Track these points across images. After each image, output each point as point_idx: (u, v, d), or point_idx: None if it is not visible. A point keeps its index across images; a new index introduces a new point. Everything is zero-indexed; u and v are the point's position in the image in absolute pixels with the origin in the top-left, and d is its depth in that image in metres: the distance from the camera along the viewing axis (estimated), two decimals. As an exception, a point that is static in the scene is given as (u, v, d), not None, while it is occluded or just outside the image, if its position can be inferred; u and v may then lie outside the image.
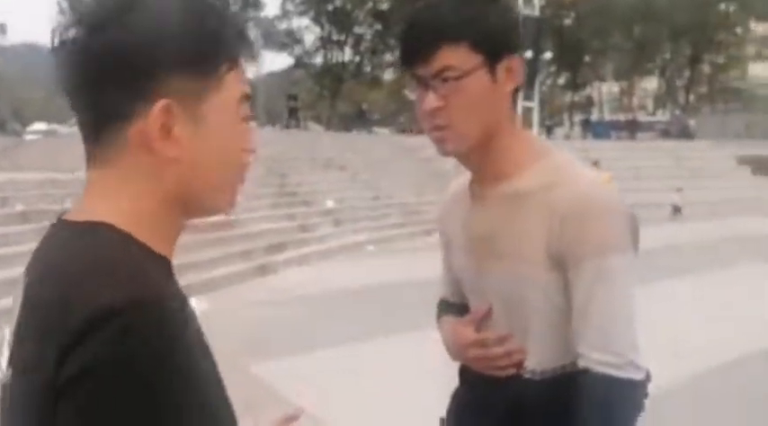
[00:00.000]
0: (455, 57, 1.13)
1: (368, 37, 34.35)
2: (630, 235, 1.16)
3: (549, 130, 29.27)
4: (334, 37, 34.20)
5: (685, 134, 29.83)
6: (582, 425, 1.12)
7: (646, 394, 1.15)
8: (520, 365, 1.22)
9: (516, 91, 1.20)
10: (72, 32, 0.70)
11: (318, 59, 35.09)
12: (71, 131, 26.84)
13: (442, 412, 1.39)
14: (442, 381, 1.52)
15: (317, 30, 34.68)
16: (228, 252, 8.93)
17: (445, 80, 1.13)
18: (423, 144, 20.27)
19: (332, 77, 33.77)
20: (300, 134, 20.52)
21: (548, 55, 30.08)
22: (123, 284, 0.63)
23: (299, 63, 35.97)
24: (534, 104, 18.15)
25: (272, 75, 43.16)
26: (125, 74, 0.68)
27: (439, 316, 1.42)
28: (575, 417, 1.13)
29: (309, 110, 37.42)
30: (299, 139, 18.00)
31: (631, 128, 32.93)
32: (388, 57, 34.86)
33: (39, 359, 0.63)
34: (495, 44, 1.14)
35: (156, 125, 0.69)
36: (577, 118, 38.98)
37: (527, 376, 1.21)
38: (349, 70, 34.53)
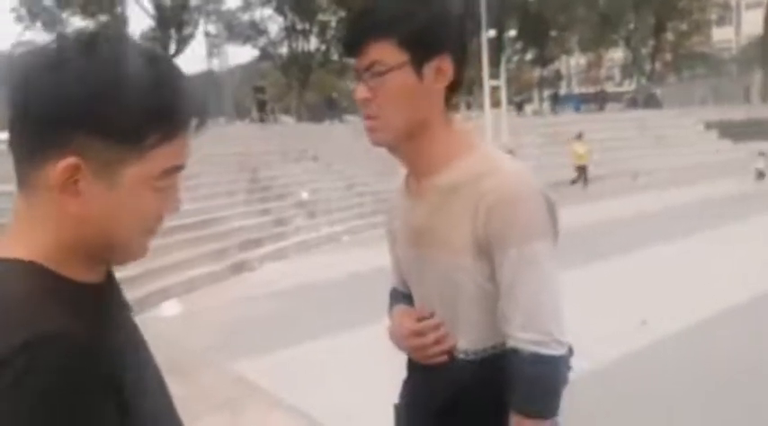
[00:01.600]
0: (383, 52, 1.20)
1: (333, 24, 34.08)
2: (550, 221, 1.24)
3: (518, 107, 29.38)
4: (299, 26, 33.88)
5: (652, 103, 30.23)
6: (513, 400, 1.21)
7: (569, 368, 1.25)
8: (449, 352, 1.30)
9: (450, 88, 1.26)
10: (10, 76, 0.75)
11: (284, 50, 34.77)
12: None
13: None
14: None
15: (281, 20, 34.32)
16: (204, 251, 8.93)
17: (373, 74, 1.21)
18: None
19: (299, 67, 33.52)
20: (270, 127, 20.38)
21: (512, 32, 30.10)
22: (10, 329, 0.68)
23: (264, 54, 35.57)
24: (501, 82, 18.21)
25: (238, 68, 42.75)
26: (44, 126, 0.73)
27: (390, 306, 1.49)
28: (506, 393, 1.21)
29: (279, 102, 37.13)
30: (269, 132, 17.90)
31: (600, 100, 33.27)
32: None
33: None
34: (422, 44, 1.20)
35: (59, 179, 0.73)
36: (547, 93, 39.21)
37: (461, 356, 1.30)
38: (316, 59, 34.28)
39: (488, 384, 1.26)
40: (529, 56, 39.78)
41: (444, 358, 1.31)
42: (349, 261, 9.00)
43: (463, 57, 1.27)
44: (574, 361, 1.28)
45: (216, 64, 35.07)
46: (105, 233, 0.78)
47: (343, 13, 33.52)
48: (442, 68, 1.22)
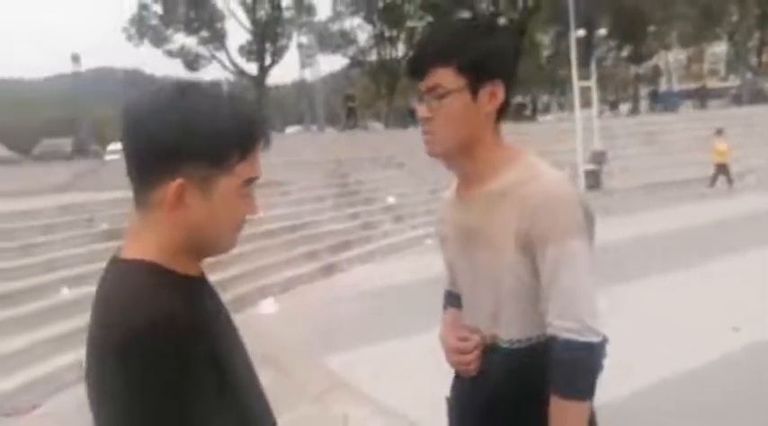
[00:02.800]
0: (443, 77, 1.35)
1: (420, 30, 34.43)
2: (586, 223, 1.37)
3: (612, 106, 28.40)
4: (387, 33, 34.46)
5: (760, 98, 28.36)
6: (553, 385, 1.32)
7: (604, 355, 1.36)
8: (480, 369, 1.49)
9: (501, 110, 1.42)
10: (123, 121, 1.02)
11: (373, 57, 35.43)
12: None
13: None
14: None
15: (370, 28, 35.07)
16: (297, 253, 9.38)
17: (434, 96, 1.37)
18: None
19: (387, 74, 34.07)
20: (359, 133, 20.90)
21: (602, 31, 29.11)
22: (137, 314, 0.93)
23: (354, 62, 36.45)
24: (592, 83, 17.74)
25: (329, 76, 43.91)
26: (155, 157, 0.99)
27: (444, 308, 1.67)
28: (544, 378, 1.33)
29: (368, 109, 37.87)
30: (358, 139, 18.39)
31: (701, 97, 31.58)
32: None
33: (88, 367, 0.98)
34: (478, 71, 1.35)
35: (172, 196, 0.99)
36: (645, 90, 37.64)
37: (504, 346, 1.43)
38: (403, 65, 34.66)
39: (530, 371, 1.38)
40: (624, 53, 38.36)
41: (476, 372, 1.49)
42: (432, 263, 9.05)
43: (513, 83, 1.42)
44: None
45: (308, 73, 36.23)
46: (205, 232, 1.04)
47: (430, 19, 33.78)
48: (494, 93, 1.38)
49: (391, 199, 12.83)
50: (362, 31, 36.26)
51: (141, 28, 33.80)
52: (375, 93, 37.30)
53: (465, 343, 1.51)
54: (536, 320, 1.38)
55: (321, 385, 4.88)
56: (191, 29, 33.66)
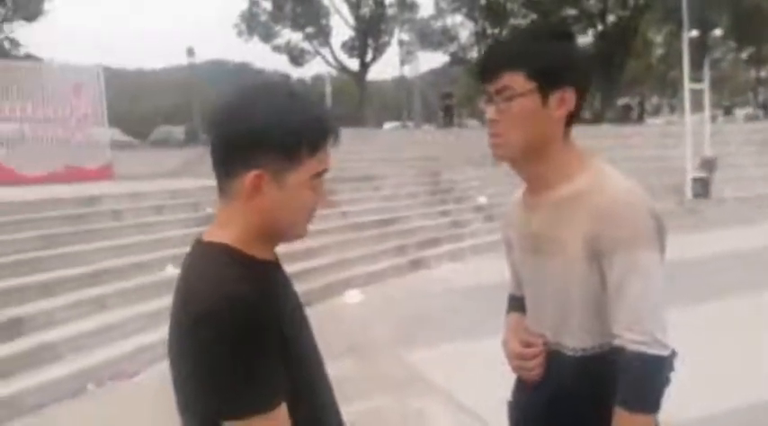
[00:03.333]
0: (513, 81, 1.37)
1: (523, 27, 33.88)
2: (656, 234, 1.35)
3: (727, 111, 26.65)
4: (489, 31, 34.06)
5: None
6: (619, 397, 1.30)
7: (672, 369, 1.34)
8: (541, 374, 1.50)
9: (571, 116, 1.41)
10: (211, 118, 1.16)
11: (474, 54, 35.14)
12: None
13: None
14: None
15: (471, 25, 34.80)
16: (386, 247, 9.54)
17: (503, 98, 1.38)
18: (580, 133, 19.55)
19: (487, 72, 33.59)
20: (456, 131, 20.83)
21: (717, 32, 27.29)
22: (210, 292, 1.06)
23: (454, 60, 36.32)
24: (705, 85, 16.73)
25: (429, 73, 43.93)
26: (236, 151, 1.11)
27: (507, 312, 1.69)
28: (610, 389, 1.30)
29: (466, 107, 37.57)
30: (453, 137, 18.35)
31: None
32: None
33: (170, 338, 1.11)
34: (548, 77, 1.37)
35: (249, 186, 1.11)
36: (765, 95, 35.00)
37: (568, 353, 1.43)
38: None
39: (592, 379, 1.38)
40: (744, 55, 35.87)
41: (539, 377, 1.50)
42: None
43: (586, 88, 1.42)
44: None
45: (408, 70, 36.42)
46: (278, 220, 1.15)
47: (534, 17, 33.05)
48: (564, 99, 1.38)
49: (483, 199, 12.73)
50: (464, 29, 36.07)
51: (251, 23, 35.29)
52: (475, 91, 36.96)
53: (528, 349, 1.52)
54: (602, 329, 1.37)
55: (399, 378, 4.98)
56: (297, 25, 34.79)
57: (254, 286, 1.08)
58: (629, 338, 1.29)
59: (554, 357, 1.47)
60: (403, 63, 34.63)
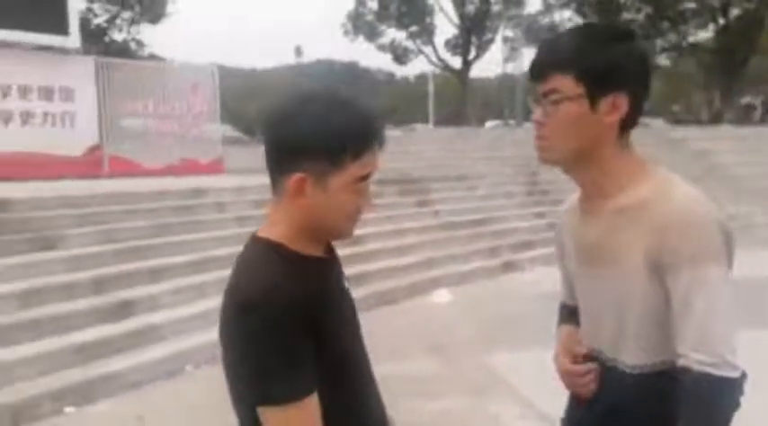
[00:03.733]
0: (561, 83, 1.32)
1: (639, 22, 32.23)
2: (725, 247, 1.27)
3: None
4: (599, 27, 32.75)
5: None
6: (683, 421, 1.23)
7: (742, 392, 1.26)
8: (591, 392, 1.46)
9: (627, 120, 1.35)
10: (265, 122, 1.23)
11: (582, 51, 33.91)
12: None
13: None
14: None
15: (581, 20, 33.55)
16: (478, 247, 9.47)
17: (550, 101, 1.34)
18: (693, 135, 18.44)
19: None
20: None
21: None
22: (253, 284, 1.15)
23: (561, 57, 35.21)
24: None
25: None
26: (283, 154, 1.19)
27: (559, 323, 1.65)
28: (673, 411, 1.24)
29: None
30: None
31: None
32: (660, 42, 32.25)
33: (220, 324, 1.19)
34: (597, 81, 1.30)
35: (293, 187, 1.18)
36: None
37: (627, 371, 1.37)
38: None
39: (649, 398, 1.33)
40: None
41: (590, 394, 1.46)
42: None
43: (643, 93, 1.35)
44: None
45: (511, 67, 35.79)
46: (321, 220, 1.22)
47: (649, 10, 31.43)
48: (616, 104, 1.32)
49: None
50: (573, 24, 34.88)
51: (357, 23, 36.00)
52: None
53: (579, 367, 1.48)
54: (662, 346, 1.31)
55: (479, 380, 4.96)
56: (402, 24, 35.10)
57: (296, 280, 1.16)
58: (696, 358, 1.22)
59: (610, 373, 1.42)
60: (507, 60, 34.09)
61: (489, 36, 34.74)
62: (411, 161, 12.52)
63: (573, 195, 1.54)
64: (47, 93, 10.99)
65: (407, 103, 58.66)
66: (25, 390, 4.35)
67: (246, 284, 1.17)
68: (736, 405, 1.26)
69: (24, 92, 10.73)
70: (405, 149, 13.84)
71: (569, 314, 1.61)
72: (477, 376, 5.07)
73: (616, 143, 1.37)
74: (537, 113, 1.37)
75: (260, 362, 1.11)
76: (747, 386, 1.27)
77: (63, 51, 11.33)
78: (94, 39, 29.77)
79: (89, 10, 32.06)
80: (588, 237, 1.42)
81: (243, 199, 8.74)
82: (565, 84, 1.32)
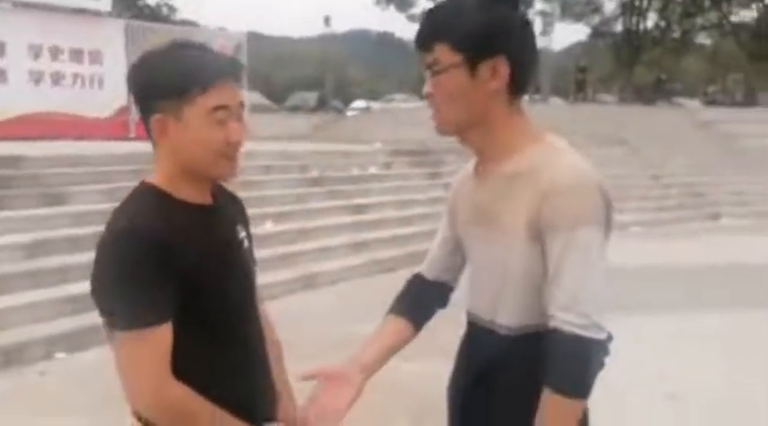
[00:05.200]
0: (441, 53, 1.32)
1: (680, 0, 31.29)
2: (603, 214, 1.28)
3: None
4: (636, 2, 31.80)
5: None
6: (551, 378, 1.26)
7: (607, 353, 1.30)
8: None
9: (516, 86, 1.33)
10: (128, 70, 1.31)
11: (618, 28, 33.07)
12: (383, 108, 30.11)
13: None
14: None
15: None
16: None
17: (433, 72, 1.34)
18: (724, 118, 17.94)
19: (630, 46, 31.60)
20: (585, 107, 19.87)
21: None
22: (119, 221, 1.24)
23: (595, 33, 34.38)
24: None
25: (566, 47, 41.97)
26: (141, 100, 1.28)
27: (390, 309, 1.58)
28: (543, 370, 1.26)
29: (604, 83, 35.59)
30: (582, 112, 17.54)
31: None
32: (700, 20, 31.26)
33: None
34: (474, 47, 1.30)
35: (156, 129, 1.26)
36: None
37: (503, 333, 1.38)
38: (650, 37, 31.87)
39: (523, 360, 1.35)
40: None
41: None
42: (636, 250, 8.27)
43: (524, 58, 1.34)
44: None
45: (545, 41, 35.06)
46: (190, 157, 1.28)
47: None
48: (496, 69, 1.31)
49: (603, 181, 12.13)
50: (610, 0, 34.00)
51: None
52: (614, 66, 34.91)
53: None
54: (537, 309, 1.33)
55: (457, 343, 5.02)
56: (434, -7, 34.56)
57: (161, 218, 1.23)
58: (565, 319, 1.25)
59: (486, 335, 1.42)
60: (541, 34, 33.34)
61: (523, 9, 33.98)
62: (426, 132, 12.47)
63: (469, 162, 1.54)
64: (77, 55, 11.24)
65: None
66: (19, 335, 4.58)
67: (115, 218, 1.26)
68: (601, 366, 1.28)
69: (55, 53, 11.00)
70: (422, 121, 13.77)
71: (414, 294, 1.60)
72: (456, 340, 5.14)
73: (505, 109, 1.36)
74: (426, 86, 1.37)
75: (112, 289, 1.19)
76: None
77: (94, 14, 11.55)
78: (127, 2, 30.08)
79: (123, -27, 32.31)
80: (479, 200, 1.43)
81: (252, 164, 8.85)
82: (443, 53, 1.32)
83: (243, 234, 1.45)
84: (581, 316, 1.24)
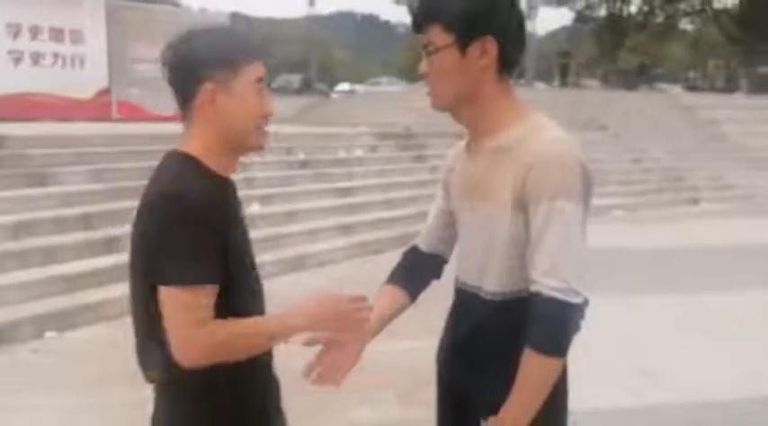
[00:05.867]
0: (434, 34, 1.42)
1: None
2: (582, 186, 1.38)
3: None
4: (619, -13, 31.99)
5: None
6: (531, 338, 1.35)
7: (583, 317, 1.38)
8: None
9: (504, 64, 1.42)
10: (162, 65, 1.38)
11: (601, 12, 33.20)
12: (368, 91, 30.00)
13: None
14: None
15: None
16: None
17: (427, 53, 1.43)
18: (705, 103, 18.17)
19: (613, 31, 31.78)
20: (568, 92, 19.98)
21: None
22: (161, 187, 1.30)
23: (580, 17, 34.50)
24: None
25: (550, 31, 42.03)
26: (189, 71, 1.34)
27: (388, 278, 1.68)
28: (523, 332, 1.35)
29: (588, 67, 35.74)
30: (564, 97, 17.65)
31: None
32: (683, 6, 31.51)
33: (133, 227, 1.34)
34: (464, 27, 1.39)
35: (205, 98, 1.33)
36: None
37: (487, 297, 1.47)
38: (634, 22, 32.06)
39: (507, 323, 1.43)
40: None
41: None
42: (618, 235, 8.44)
43: (511, 37, 1.43)
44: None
45: (529, 26, 35.05)
46: (233, 125, 1.36)
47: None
48: (485, 48, 1.40)
49: (584, 157, 12.26)
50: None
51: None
52: (597, 51, 35.10)
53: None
54: (521, 276, 1.41)
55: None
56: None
57: (207, 186, 1.31)
58: (545, 283, 1.34)
59: (473, 299, 1.51)
60: (526, 19, 33.30)
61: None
62: (412, 116, 12.53)
63: (463, 139, 1.63)
64: (57, 35, 11.06)
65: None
66: (8, 314, 4.60)
67: (165, 181, 1.31)
68: (577, 328, 1.37)
69: (35, 32, 10.81)
70: (409, 105, 13.83)
71: (409, 265, 1.68)
72: (443, 317, 5.24)
73: (495, 86, 1.45)
74: (422, 66, 1.46)
75: (169, 245, 1.25)
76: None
77: (75, -8, 11.36)
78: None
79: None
80: (470, 173, 1.51)
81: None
82: (436, 34, 1.41)
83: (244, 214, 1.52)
84: (559, 281, 1.33)
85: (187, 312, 1.26)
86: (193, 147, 1.36)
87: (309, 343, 1.46)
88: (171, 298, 1.26)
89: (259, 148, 1.42)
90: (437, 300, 1.81)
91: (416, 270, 1.69)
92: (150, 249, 1.28)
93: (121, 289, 5.27)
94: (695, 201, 12.32)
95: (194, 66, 1.32)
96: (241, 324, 1.33)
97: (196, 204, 1.26)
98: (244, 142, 1.39)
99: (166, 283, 1.26)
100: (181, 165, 1.34)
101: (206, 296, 1.27)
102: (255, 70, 1.36)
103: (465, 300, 1.55)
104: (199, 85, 1.32)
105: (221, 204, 1.33)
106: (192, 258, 1.26)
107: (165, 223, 1.26)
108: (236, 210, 1.41)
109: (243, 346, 1.33)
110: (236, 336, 1.31)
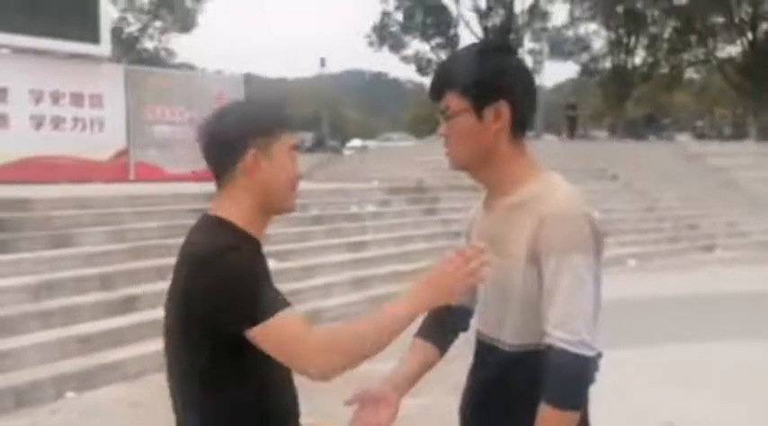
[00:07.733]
0: (451, 100, 1.50)
1: (665, 36, 32.11)
2: (592, 240, 1.43)
3: None
4: (625, 40, 32.65)
5: None
6: (546, 391, 1.38)
7: (597, 369, 1.42)
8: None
9: (517, 125, 1.50)
10: (200, 134, 1.48)
11: (606, 65, 33.82)
12: (380, 146, 30.41)
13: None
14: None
15: (606, 34, 33.53)
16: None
17: (446, 117, 1.52)
18: (714, 151, 18.26)
19: (620, 82, 32.30)
20: (578, 143, 20.18)
21: None
22: (212, 243, 1.36)
23: (585, 70, 35.16)
24: None
25: (557, 84, 42.68)
26: (232, 140, 1.42)
27: (420, 328, 1.71)
28: (535, 383, 1.39)
29: (595, 119, 36.13)
30: (573, 148, 17.84)
31: None
32: (687, 56, 32.02)
33: (176, 274, 1.41)
34: (479, 93, 1.47)
35: (250, 163, 1.42)
36: None
37: (506, 349, 1.51)
38: (639, 73, 32.60)
39: (523, 375, 1.46)
40: None
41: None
42: (632, 285, 8.36)
43: (523, 99, 1.51)
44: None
45: (537, 80, 35.70)
46: (273, 190, 1.45)
47: (677, 24, 31.25)
48: (499, 112, 1.48)
49: (595, 214, 12.29)
50: (598, 38, 34.84)
51: (383, 34, 36.33)
52: (603, 103, 35.57)
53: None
54: (536, 329, 1.43)
55: (462, 379, 5.07)
56: (426, 35, 35.35)
57: (248, 247, 1.39)
58: (558, 336, 1.37)
59: (491, 351, 1.55)
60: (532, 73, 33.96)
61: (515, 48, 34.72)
62: (423, 170, 12.69)
63: (478, 192, 1.71)
64: (77, 100, 11.45)
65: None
66: (29, 375, 4.64)
67: (208, 241, 1.37)
68: (591, 381, 1.40)
69: (56, 97, 11.22)
70: (419, 159, 14.03)
71: (438, 318, 1.69)
72: (461, 376, 5.20)
73: (509, 147, 1.52)
74: (441, 128, 1.55)
75: (246, 289, 1.30)
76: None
77: (94, 59, 11.78)
78: (127, 47, 30.66)
79: (122, 19, 33.04)
80: (488, 230, 1.57)
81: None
82: (453, 100, 1.50)
83: None
84: (571, 333, 1.36)
85: (300, 326, 1.33)
86: (232, 212, 1.42)
87: (350, 403, 1.53)
88: (276, 327, 1.30)
89: (292, 211, 1.50)
90: (455, 356, 1.85)
91: (445, 324, 1.73)
92: (221, 299, 1.31)
93: (140, 348, 5.37)
94: (710, 249, 12.24)
95: (238, 134, 1.41)
96: (353, 323, 1.42)
97: (248, 256, 1.35)
98: (281, 205, 1.47)
99: (264, 318, 1.30)
100: (221, 226, 1.41)
101: (300, 313, 1.35)
102: (290, 137, 1.47)
103: (485, 352, 1.59)
104: (242, 152, 1.40)
105: (262, 262, 1.42)
106: (273, 290, 1.34)
107: (228, 272, 1.30)
108: (266, 271, 1.47)
109: (373, 336, 1.38)
110: (354, 332, 1.39)
